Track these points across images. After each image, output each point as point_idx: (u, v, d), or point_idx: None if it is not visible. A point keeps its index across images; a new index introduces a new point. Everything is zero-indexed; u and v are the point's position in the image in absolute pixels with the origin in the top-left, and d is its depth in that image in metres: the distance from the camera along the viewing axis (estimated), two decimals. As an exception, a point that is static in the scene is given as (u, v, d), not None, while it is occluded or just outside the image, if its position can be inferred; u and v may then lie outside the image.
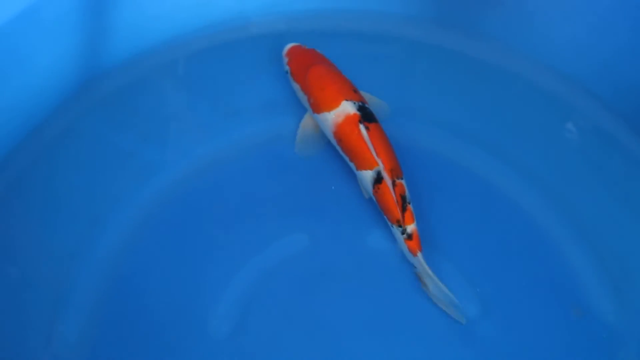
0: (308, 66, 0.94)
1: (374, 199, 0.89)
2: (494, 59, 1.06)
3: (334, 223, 0.93)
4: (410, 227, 0.85)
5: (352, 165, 0.90)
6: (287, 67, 0.97)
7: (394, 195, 0.85)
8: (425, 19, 1.07)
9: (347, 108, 0.89)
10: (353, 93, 0.91)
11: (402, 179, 0.86)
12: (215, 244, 0.90)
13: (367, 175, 0.87)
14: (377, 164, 0.86)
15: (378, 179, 0.86)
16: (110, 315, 0.85)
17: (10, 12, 0.90)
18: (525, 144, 0.99)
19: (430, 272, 0.83)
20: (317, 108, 0.92)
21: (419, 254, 0.84)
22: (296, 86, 0.96)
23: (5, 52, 0.91)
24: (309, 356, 0.84)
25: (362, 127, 0.87)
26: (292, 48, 0.99)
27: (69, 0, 0.95)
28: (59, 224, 0.90)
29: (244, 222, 0.92)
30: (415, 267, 0.86)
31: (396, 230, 0.86)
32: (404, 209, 0.85)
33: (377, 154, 0.86)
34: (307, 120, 0.96)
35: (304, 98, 0.95)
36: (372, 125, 0.88)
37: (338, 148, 0.92)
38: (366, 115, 0.89)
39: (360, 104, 0.90)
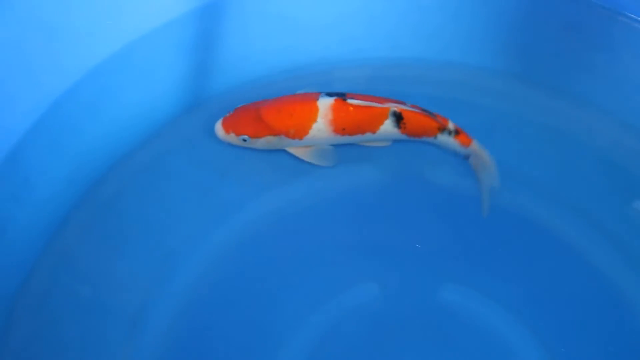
0: (255, 117, 0.92)
1: (406, 136, 0.94)
2: (577, 116, 1.04)
3: (407, 272, 0.91)
4: (451, 124, 0.93)
5: (369, 137, 0.94)
6: (243, 136, 0.93)
7: (419, 112, 0.91)
8: (510, 73, 1.06)
9: (325, 102, 0.91)
10: (312, 94, 0.92)
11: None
12: (286, 287, 0.91)
13: (388, 124, 0.93)
14: (388, 109, 0.91)
15: (398, 116, 0.92)
16: (179, 348, 0.87)
17: (107, 51, 0.94)
18: (607, 204, 0.96)
19: (487, 153, 0.92)
20: (301, 131, 0.93)
21: (473, 142, 0.93)
22: (265, 140, 0.93)
23: (100, 87, 0.95)
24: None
25: (350, 100, 0.91)
26: (224, 120, 0.94)
27: (161, 42, 0.99)
28: (134, 254, 0.93)
29: (316, 268, 0.92)
30: (469, 158, 0.95)
31: (443, 136, 0.93)
32: (433, 116, 0.91)
33: (379, 102, 0.91)
34: (298, 151, 0.96)
35: (279, 140, 0.94)
36: (350, 95, 0.92)
37: (346, 140, 0.94)
38: (340, 94, 0.91)
39: (324, 93, 0.92)
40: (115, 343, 0.86)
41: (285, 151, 0.98)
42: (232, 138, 0.92)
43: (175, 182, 0.97)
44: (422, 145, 0.99)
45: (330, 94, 0.92)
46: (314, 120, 0.91)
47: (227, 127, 0.92)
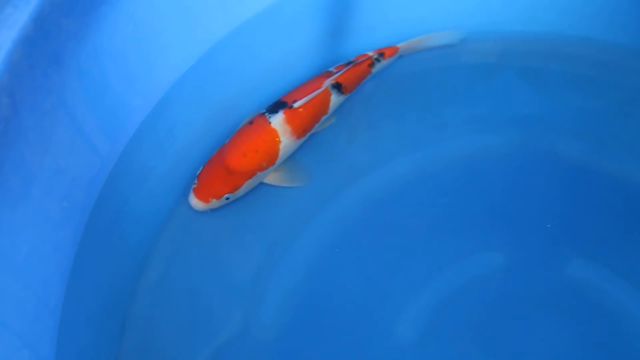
0: (224, 172, 0.89)
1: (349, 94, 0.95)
2: None
3: (533, 245, 0.91)
4: (372, 53, 0.96)
5: (324, 119, 0.95)
6: (225, 196, 0.89)
7: (347, 68, 0.93)
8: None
9: (277, 119, 0.91)
10: (260, 119, 0.92)
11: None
12: (409, 251, 0.92)
13: (334, 98, 0.94)
14: (326, 87, 0.92)
15: (337, 85, 0.94)
16: (301, 309, 0.89)
17: (252, 11, 0.98)
18: None
19: (414, 40, 0.97)
20: (272, 158, 0.92)
21: (399, 47, 0.98)
22: (245, 186, 0.91)
23: (242, 45, 0.98)
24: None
25: (296, 105, 0.91)
26: (197, 191, 0.89)
27: (299, 6, 1.01)
28: (262, 212, 0.95)
29: (439, 235, 0.93)
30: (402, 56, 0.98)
31: (376, 67, 0.97)
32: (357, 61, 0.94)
33: (315, 86, 0.92)
34: (273, 179, 0.94)
35: (256, 178, 0.92)
36: (285, 97, 0.93)
37: (308, 136, 0.95)
38: (280, 103, 0.92)
39: (266, 111, 0.92)
40: (235, 306, 0.89)
41: (414, 117, 0.98)
42: (214, 203, 0.89)
43: (304, 143, 0.99)
44: (551, 121, 0.97)
45: (272, 109, 0.91)
46: (278, 141, 0.90)
47: (204, 196, 0.88)
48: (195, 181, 0.88)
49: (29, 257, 0.67)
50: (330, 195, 0.96)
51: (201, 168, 0.89)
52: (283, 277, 0.91)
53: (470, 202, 0.95)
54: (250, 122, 0.90)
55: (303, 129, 0.92)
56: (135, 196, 0.88)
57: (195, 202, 0.87)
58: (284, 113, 0.90)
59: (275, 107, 0.91)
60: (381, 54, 0.98)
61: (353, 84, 0.96)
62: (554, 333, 0.86)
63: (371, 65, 0.97)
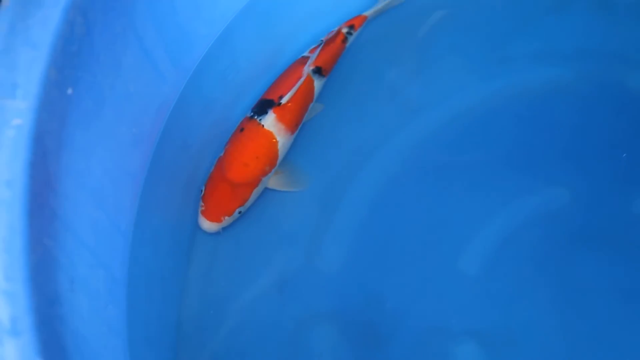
0: (230, 187, 0.85)
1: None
2: None
3: (600, 181, 0.89)
4: (341, 28, 0.92)
5: (312, 105, 0.91)
6: (236, 211, 0.85)
7: (322, 49, 0.89)
8: None
9: (269, 120, 0.87)
10: (252, 124, 0.88)
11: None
12: (473, 187, 0.91)
13: (317, 83, 0.90)
14: (307, 74, 0.88)
15: (317, 70, 0.90)
16: (364, 243, 0.89)
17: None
18: None
19: (374, 8, 0.92)
20: (273, 160, 0.88)
21: (366, 16, 0.93)
22: (253, 195, 0.87)
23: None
24: (554, 317, 0.83)
25: (283, 100, 0.87)
26: (207, 212, 0.84)
27: None
28: (328, 146, 0.95)
29: (503, 170, 0.92)
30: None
31: (349, 41, 0.92)
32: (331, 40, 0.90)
33: (296, 76, 0.88)
34: (275, 184, 0.90)
35: (262, 184, 0.88)
36: (269, 94, 0.89)
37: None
38: (267, 102, 0.88)
39: (253, 113, 0.88)
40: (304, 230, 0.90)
41: (479, 51, 0.96)
42: (227, 221, 0.84)
43: (366, 77, 0.98)
44: (621, 53, 0.94)
45: (260, 110, 0.87)
46: (275, 142, 0.86)
47: (215, 216, 0.83)
48: (202, 203, 0.83)
49: (102, 179, 0.68)
50: (392, 131, 0.95)
51: (203, 188, 0.84)
52: (346, 212, 0.91)
53: (536, 137, 0.93)
54: (242, 129, 0.86)
55: (296, 123, 0.88)
56: (200, 127, 0.88)
57: (207, 224, 0.82)
58: (274, 112, 0.86)
59: (262, 107, 0.86)
60: (351, 26, 0.93)
61: (331, 64, 0.92)
62: (619, 270, 0.85)
63: (344, 40, 0.92)
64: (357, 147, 0.94)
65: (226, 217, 0.83)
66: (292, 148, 0.92)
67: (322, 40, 0.91)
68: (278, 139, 0.86)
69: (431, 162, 0.93)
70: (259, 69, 0.95)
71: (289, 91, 0.86)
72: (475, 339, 0.83)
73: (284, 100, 0.86)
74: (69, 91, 0.61)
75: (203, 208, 0.83)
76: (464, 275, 0.86)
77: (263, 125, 0.85)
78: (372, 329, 0.84)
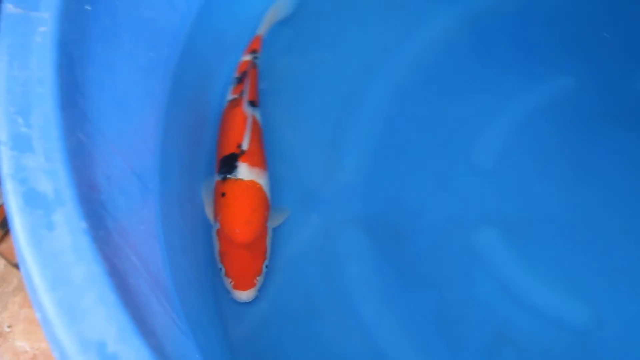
0: (247, 247, 0.81)
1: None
2: None
3: (602, 66, 0.92)
4: (245, 57, 0.92)
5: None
6: (264, 265, 0.82)
7: (244, 83, 0.88)
8: None
9: (244, 173, 0.84)
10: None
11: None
12: (481, 81, 0.95)
13: (257, 114, 0.89)
14: (244, 115, 0.86)
15: (251, 103, 0.88)
16: (381, 149, 0.93)
17: None
18: None
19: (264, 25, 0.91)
20: (267, 205, 0.85)
21: (261, 34, 0.92)
22: (269, 232, 0.84)
23: None
24: (568, 196, 0.86)
25: (244, 148, 0.85)
26: (241, 283, 0.80)
27: None
28: (333, 67, 0.99)
29: (510, 64, 0.95)
30: None
31: (258, 60, 0.91)
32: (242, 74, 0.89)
33: (233, 122, 0.87)
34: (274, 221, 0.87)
35: (270, 230, 0.85)
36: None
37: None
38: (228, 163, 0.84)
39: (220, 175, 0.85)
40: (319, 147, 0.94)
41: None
42: (260, 280, 0.80)
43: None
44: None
45: (227, 169, 0.84)
46: (260, 187, 0.84)
47: (249, 283, 0.79)
48: (228, 280, 0.79)
49: (126, 94, 0.73)
50: (396, 43, 0.99)
51: (221, 266, 0.80)
52: (361, 122, 0.95)
53: (537, 31, 0.96)
54: (223, 194, 0.82)
55: (264, 160, 0.86)
56: (212, 56, 0.92)
57: (245, 295, 0.79)
58: (243, 161, 0.83)
59: (228, 164, 0.83)
60: (254, 50, 0.92)
61: (256, 92, 0.90)
62: (629, 145, 0.88)
63: (255, 65, 0.91)
64: (364, 63, 0.98)
65: (259, 278, 0.79)
66: (301, 73, 0.96)
67: (236, 77, 0.90)
68: (260, 182, 0.83)
69: (439, 63, 0.96)
70: (264, 3, 0.98)
71: (242, 137, 0.84)
72: (494, 225, 0.86)
73: (245, 147, 0.83)
74: (87, 7, 0.66)
75: (233, 283, 0.79)
76: (479, 168, 0.89)
77: (242, 179, 0.82)
78: (396, 228, 0.88)
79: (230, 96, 0.89)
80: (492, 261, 0.84)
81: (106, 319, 0.49)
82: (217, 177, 0.83)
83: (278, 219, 0.85)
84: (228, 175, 0.82)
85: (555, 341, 0.80)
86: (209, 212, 0.84)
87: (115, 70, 0.71)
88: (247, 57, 0.91)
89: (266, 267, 0.80)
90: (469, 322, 0.83)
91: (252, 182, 0.82)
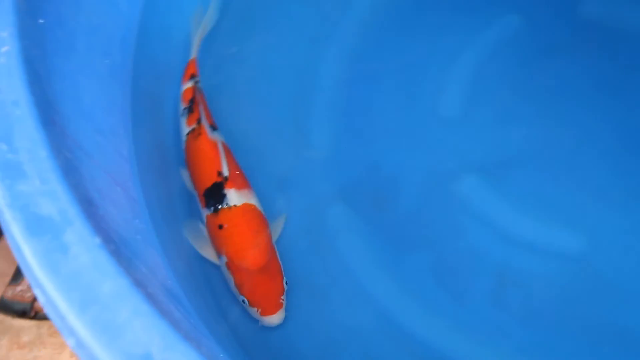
0: (256, 271, 0.78)
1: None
2: None
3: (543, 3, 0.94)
4: (187, 84, 0.88)
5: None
6: (284, 282, 0.79)
7: (202, 117, 0.84)
8: None
9: (235, 199, 0.80)
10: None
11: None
12: (429, 32, 0.96)
13: (219, 135, 0.85)
14: (214, 142, 0.83)
15: (211, 126, 0.85)
16: (348, 115, 0.94)
17: None
18: None
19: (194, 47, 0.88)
20: (265, 222, 0.82)
21: (194, 57, 0.89)
22: (277, 254, 0.81)
23: None
24: (536, 130, 0.89)
25: (226, 174, 0.82)
26: (272, 306, 0.77)
27: None
28: (280, 47, 0.98)
29: (459, 10, 0.96)
30: None
31: (199, 82, 0.87)
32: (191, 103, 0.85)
33: (205, 152, 0.84)
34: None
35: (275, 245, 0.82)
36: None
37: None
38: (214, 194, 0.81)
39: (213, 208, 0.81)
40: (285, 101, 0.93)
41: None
42: (284, 299, 0.78)
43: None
44: None
45: (216, 200, 0.80)
46: (254, 206, 0.82)
47: (275, 305, 0.77)
48: (254, 309, 0.76)
49: (93, 106, 0.71)
50: (339, 7, 0.99)
51: (243, 298, 0.77)
52: (320, 96, 0.95)
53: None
54: (220, 226, 0.79)
55: (245, 177, 0.83)
56: (165, 54, 0.90)
57: (276, 319, 0.76)
58: (230, 187, 0.80)
59: (216, 195, 0.80)
60: (193, 75, 0.88)
61: (210, 114, 0.87)
62: (578, 69, 0.92)
63: (199, 89, 0.87)
64: (310, 37, 0.98)
65: (283, 297, 0.77)
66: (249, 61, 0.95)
67: (185, 108, 0.86)
68: (253, 202, 0.81)
69: (383, 26, 0.97)
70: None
71: (220, 164, 0.81)
72: (474, 171, 0.88)
73: (226, 172, 0.80)
74: (41, 20, 0.63)
75: (260, 310, 0.76)
76: (447, 119, 0.91)
77: (235, 206, 0.80)
78: (378, 194, 0.89)
79: (186, 128, 0.85)
80: (479, 207, 0.86)
81: (145, 330, 0.47)
82: (207, 212, 0.79)
83: (277, 229, 0.83)
84: (219, 206, 0.79)
85: (556, 272, 0.82)
86: (207, 252, 0.80)
87: (78, 83, 0.68)
88: (189, 84, 0.87)
89: (286, 283, 0.78)
90: (469, 271, 0.84)
91: (245, 205, 0.79)
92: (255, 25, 0.98)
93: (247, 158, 0.89)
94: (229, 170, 0.80)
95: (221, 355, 0.66)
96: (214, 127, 0.84)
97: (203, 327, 0.68)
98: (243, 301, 0.76)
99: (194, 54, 0.89)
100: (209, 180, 0.80)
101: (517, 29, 0.93)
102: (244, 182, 0.81)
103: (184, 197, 0.86)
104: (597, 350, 0.80)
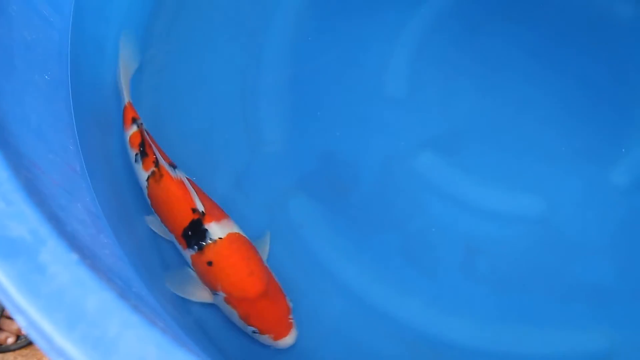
0: (259, 298, 0.75)
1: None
2: None
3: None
4: (130, 131, 0.83)
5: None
6: (289, 299, 0.78)
7: (158, 160, 0.79)
8: None
9: (218, 231, 0.77)
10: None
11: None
12: (371, 6, 0.96)
13: (181, 172, 0.80)
14: (181, 183, 0.78)
15: (171, 165, 0.81)
16: (295, 104, 0.93)
17: None
18: None
19: (125, 91, 0.84)
20: (253, 248, 0.80)
21: (128, 101, 0.85)
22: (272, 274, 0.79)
23: None
24: (485, 103, 0.91)
25: (201, 211, 0.78)
26: (286, 326, 0.76)
27: None
28: (216, 42, 0.97)
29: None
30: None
31: (142, 124, 0.82)
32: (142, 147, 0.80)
33: (172, 196, 0.79)
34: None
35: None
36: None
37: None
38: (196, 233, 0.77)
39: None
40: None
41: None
42: (293, 318, 0.77)
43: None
44: None
45: (198, 238, 0.77)
46: (239, 234, 0.79)
47: (287, 326, 0.76)
48: (265, 336, 0.75)
49: (40, 124, 0.69)
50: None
51: (254, 329, 0.75)
52: (266, 87, 0.94)
53: None
54: (210, 263, 0.76)
55: (219, 206, 0.81)
56: (100, 66, 0.88)
57: (290, 339, 0.75)
58: (210, 221, 0.77)
59: (196, 233, 0.76)
60: (134, 118, 0.83)
61: (163, 152, 0.83)
62: (524, 35, 0.94)
63: (144, 131, 0.82)
64: (246, 28, 0.97)
65: (290, 317, 0.76)
66: (186, 60, 0.94)
67: (137, 153, 0.81)
68: (236, 230, 0.78)
69: (327, 6, 0.97)
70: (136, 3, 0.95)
71: (192, 201, 0.77)
72: (429, 148, 0.89)
73: (201, 207, 0.77)
74: (-23, 40, 0.61)
75: (272, 336, 0.75)
76: (395, 99, 0.92)
77: (220, 238, 0.76)
78: (337, 181, 0.89)
79: (144, 174, 0.80)
80: (439, 182, 0.87)
81: (139, 342, 0.46)
82: (190, 252, 0.77)
83: (265, 249, 0.81)
84: (204, 243, 0.76)
85: (520, 236, 0.85)
86: (199, 294, 0.78)
87: (23, 101, 0.66)
88: (133, 129, 0.82)
89: (290, 301, 0.76)
90: (436, 246, 0.85)
91: (230, 235, 0.76)
92: (191, 26, 0.96)
93: (201, 160, 0.89)
94: (203, 204, 0.76)
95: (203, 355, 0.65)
96: (173, 166, 0.80)
97: (185, 337, 0.67)
98: (253, 332, 0.74)
99: (127, 98, 0.84)
100: (185, 219, 0.76)
101: (451, 4, 0.94)
102: (221, 212, 0.78)
103: (139, 210, 0.84)
104: (568, 308, 0.83)
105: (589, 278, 0.83)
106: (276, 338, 0.74)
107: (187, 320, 0.77)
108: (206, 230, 0.75)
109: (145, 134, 0.80)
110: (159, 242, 0.82)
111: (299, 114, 0.92)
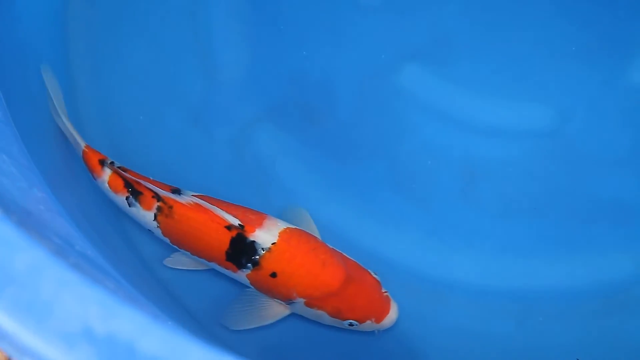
0: (345, 285, 0.76)
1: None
2: None
3: None
4: (91, 165, 0.80)
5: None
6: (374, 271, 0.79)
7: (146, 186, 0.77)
8: None
9: (269, 240, 0.76)
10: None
11: None
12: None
13: (183, 195, 0.78)
14: (191, 203, 0.77)
15: (174, 190, 0.79)
16: (256, 24, 0.93)
17: None
18: None
19: (69, 130, 0.80)
20: (315, 236, 0.80)
21: (85, 146, 0.80)
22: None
23: None
24: (479, 7, 0.91)
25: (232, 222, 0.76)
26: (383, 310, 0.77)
27: None
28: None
29: None
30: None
31: (114, 165, 0.79)
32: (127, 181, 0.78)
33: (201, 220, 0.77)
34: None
35: None
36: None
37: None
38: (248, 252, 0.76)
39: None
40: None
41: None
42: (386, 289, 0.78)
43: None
44: None
45: (249, 253, 0.76)
46: (295, 229, 0.79)
47: (384, 301, 0.77)
48: (368, 321, 0.76)
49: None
50: None
51: (352, 322, 0.76)
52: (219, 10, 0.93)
53: None
54: (274, 274, 0.76)
55: (251, 209, 0.79)
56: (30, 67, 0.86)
57: (393, 315, 0.77)
58: (254, 230, 0.75)
59: (242, 249, 0.75)
60: (102, 160, 0.80)
61: (157, 182, 0.79)
62: None
63: (123, 167, 0.80)
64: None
65: (383, 290, 0.77)
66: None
67: (129, 195, 0.79)
68: (279, 225, 0.77)
69: None
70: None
71: (221, 219, 0.75)
72: (412, 60, 0.90)
73: (235, 221, 0.75)
74: None
75: (373, 319, 0.76)
76: (369, 7, 0.91)
77: (274, 244, 0.75)
78: (310, 105, 0.89)
79: (148, 215, 0.78)
80: (428, 98, 0.88)
81: (78, 301, 0.47)
82: (245, 272, 0.76)
83: (313, 228, 0.81)
84: (257, 256, 0.75)
85: (528, 154, 0.85)
86: (273, 313, 0.79)
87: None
88: (107, 174, 0.79)
89: (375, 274, 0.77)
90: (429, 172, 0.87)
91: (281, 234, 0.76)
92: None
93: (149, 96, 0.89)
94: (233, 215, 0.75)
95: (162, 315, 0.66)
96: (175, 191, 0.78)
97: (138, 294, 0.68)
98: (350, 324, 0.76)
99: (80, 141, 0.80)
100: (223, 242, 0.75)
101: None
102: (257, 214, 0.77)
103: (80, 162, 0.84)
104: (586, 231, 0.83)
105: (609, 194, 0.84)
106: (378, 320, 0.76)
107: (149, 282, 0.78)
108: (253, 242, 0.75)
109: (124, 171, 0.78)
110: (106, 196, 0.82)
111: (259, 30, 0.91)
